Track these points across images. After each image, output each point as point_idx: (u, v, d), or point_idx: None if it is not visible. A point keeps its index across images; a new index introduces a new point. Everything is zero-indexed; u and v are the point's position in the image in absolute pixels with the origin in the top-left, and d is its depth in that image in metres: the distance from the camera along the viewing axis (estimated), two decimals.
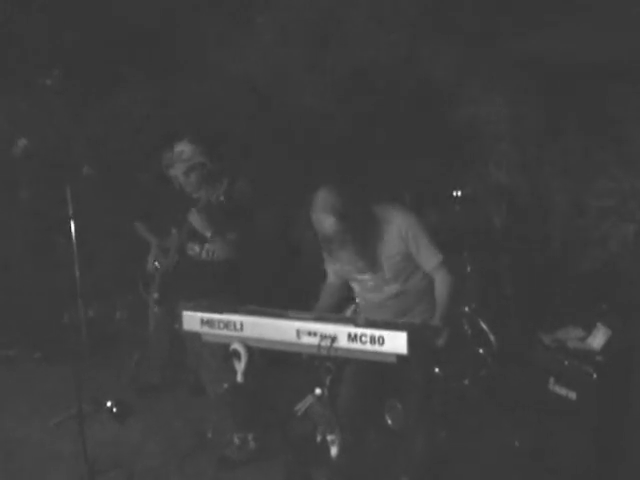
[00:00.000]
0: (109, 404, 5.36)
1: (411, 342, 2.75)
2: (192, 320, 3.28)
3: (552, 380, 3.98)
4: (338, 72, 6.29)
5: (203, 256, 4.44)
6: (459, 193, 5.35)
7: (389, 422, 4.39)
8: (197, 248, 4.46)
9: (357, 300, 3.85)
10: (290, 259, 6.12)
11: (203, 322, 3.25)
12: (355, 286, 3.77)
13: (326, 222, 3.40)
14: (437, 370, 4.45)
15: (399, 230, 3.52)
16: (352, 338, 2.85)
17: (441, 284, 3.53)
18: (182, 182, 4.34)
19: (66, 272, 6.05)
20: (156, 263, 5.34)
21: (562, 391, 3.92)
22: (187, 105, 6.24)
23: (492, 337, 4.95)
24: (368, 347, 2.82)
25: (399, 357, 2.79)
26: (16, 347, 6.82)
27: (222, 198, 4.16)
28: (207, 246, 4.40)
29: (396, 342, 2.77)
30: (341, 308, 3.74)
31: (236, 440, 4.34)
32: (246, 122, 6.34)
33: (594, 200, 6.31)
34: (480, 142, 6.31)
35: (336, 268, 3.79)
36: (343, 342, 2.87)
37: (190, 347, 4.59)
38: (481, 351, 5.01)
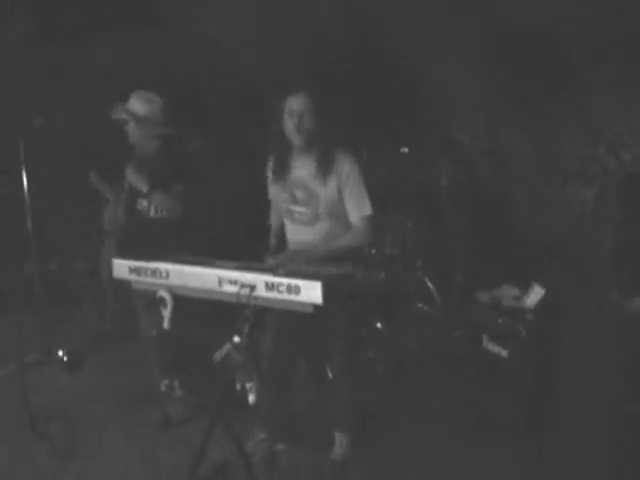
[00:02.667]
0: (60, 353, 5.42)
1: (326, 292, 2.77)
2: (121, 268, 3.31)
3: (486, 338, 4.04)
4: (299, 29, 6.25)
5: (152, 213, 4.36)
6: (406, 150, 5.37)
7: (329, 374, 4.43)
8: (145, 204, 4.38)
9: (288, 238, 3.84)
10: (242, 215, 6.12)
11: (131, 270, 3.27)
12: (288, 223, 3.78)
13: (300, 99, 3.50)
14: (379, 325, 4.51)
15: (341, 170, 3.54)
16: (270, 287, 2.87)
17: (353, 234, 3.58)
18: (125, 129, 4.32)
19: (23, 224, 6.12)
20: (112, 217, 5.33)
21: (495, 348, 3.98)
22: (144, 60, 6.18)
23: (436, 294, 5.00)
24: (285, 296, 2.85)
25: (316, 307, 2.81)
26: None
27: (155, 154, 4.17)
28: (155, 201, 4.33)
29: (311, 292, 2.79)
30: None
31: (163, 387, 4.37)
32: (202, 83, 6.31)
33: (554, 163, 6.35)
34: (441, 102, 6.32)
35: (274, 198, 3.85)
36: (261, 291, 2.89)
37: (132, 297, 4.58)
38: (424, 308, 5.06)
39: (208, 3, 6.38)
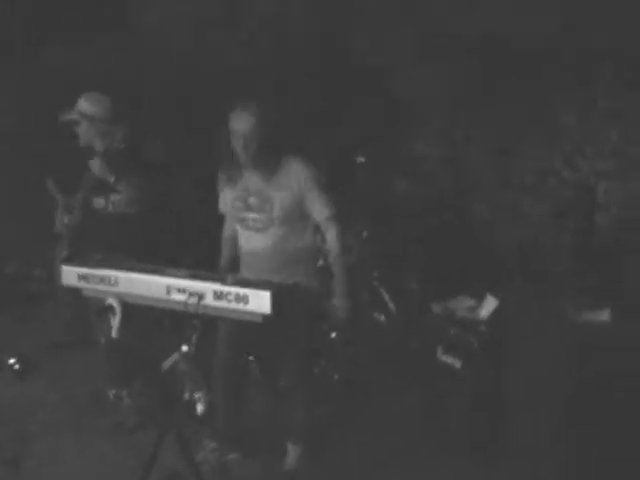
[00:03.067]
0: (12, 361, 5.32)
1: (275, 302, 2.75)
2: (70, 275, 3.26)
3: (440, 349, 4.04)
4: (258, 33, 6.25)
5: (110, 209, 4.34)
6: (362, 160, 5.37)
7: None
8: (102, 201, 4.36)
9: (240, 245, 3.82)
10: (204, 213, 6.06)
11: (80, 277, 3.21)
12: (242, 230, 3.76)
13: (244, 119, 3.48)
14: (333, 335, 4.50)
15: (298, 176, 3.57)
16: (218, 296, 2.84)
17: (332, 235, 3.62)
18: (77, 131, 4.32)
19: None
20: (65, 220, 5.28)
21: (449, 360, 3.99)
22: (97, 61, 6.14)
23: (391, 305, 4.99)
24: (234, 306, 2.82)
25: (265, 317, 2.78)
26: None
27: (122, 146, 4.19)
28: (112, 197, 4.30)
29: (260, 301, 2.76)
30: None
31: (111, 396, 4.33)
32: (157, 80, 6.28)
33: (511, 176, 6.41)
34: (399, 112, 6.33)
35: (227, 208, 3.83)
36: (210, 300, 2.86)
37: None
38: (380, 318, 5.06)
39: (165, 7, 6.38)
